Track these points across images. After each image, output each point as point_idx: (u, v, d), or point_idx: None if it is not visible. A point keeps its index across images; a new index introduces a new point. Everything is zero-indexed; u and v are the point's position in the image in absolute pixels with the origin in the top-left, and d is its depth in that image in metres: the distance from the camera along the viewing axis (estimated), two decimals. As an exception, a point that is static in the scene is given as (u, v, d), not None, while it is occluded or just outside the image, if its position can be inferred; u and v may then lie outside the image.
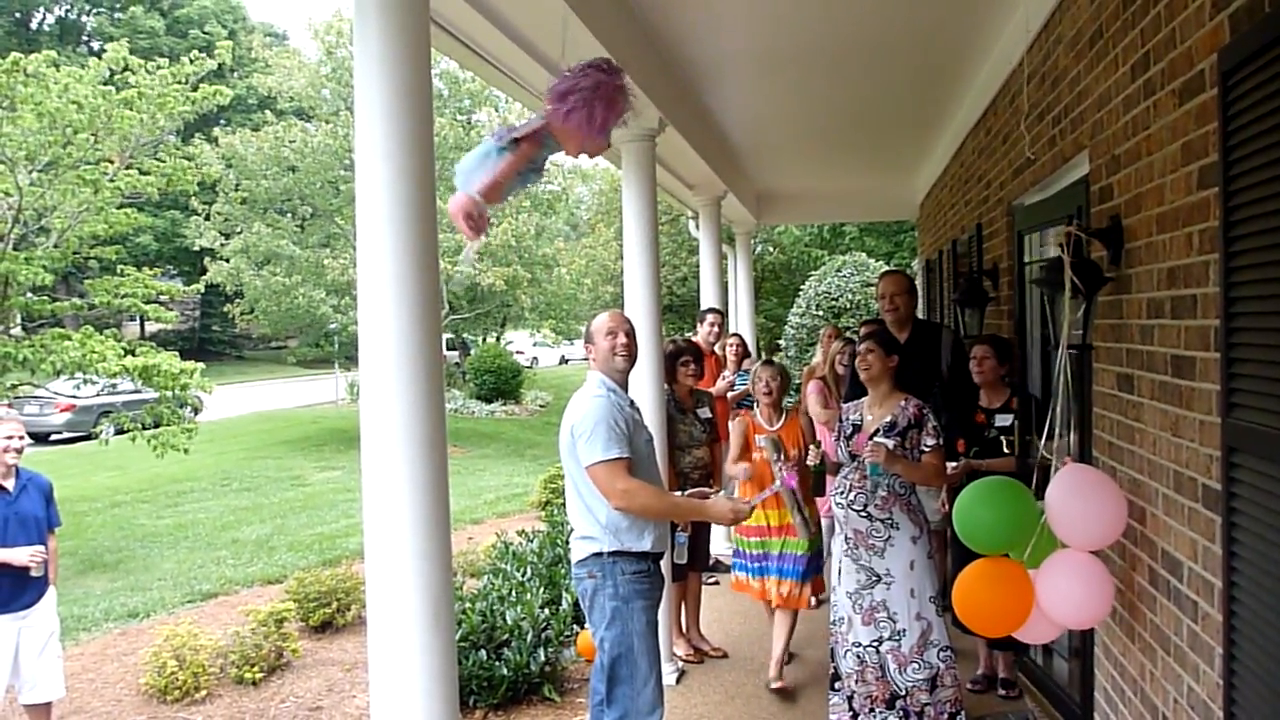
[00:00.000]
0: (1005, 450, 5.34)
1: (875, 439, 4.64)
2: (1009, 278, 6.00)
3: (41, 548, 5.58)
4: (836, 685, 4.81)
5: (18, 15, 42.94)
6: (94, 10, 44.90)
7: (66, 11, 45.28)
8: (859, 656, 4.66)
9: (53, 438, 22.12)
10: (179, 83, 12.32)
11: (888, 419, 4.70)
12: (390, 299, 2.83)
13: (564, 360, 45.84)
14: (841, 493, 4.78)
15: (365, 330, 2.87)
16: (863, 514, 4.67)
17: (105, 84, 11.76)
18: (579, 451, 3.91)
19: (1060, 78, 4.44)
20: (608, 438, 3.84)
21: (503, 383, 28.99)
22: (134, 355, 11.13)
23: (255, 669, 7.02)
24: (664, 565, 4.23)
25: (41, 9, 44.53)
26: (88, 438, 20.17)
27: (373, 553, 2.87)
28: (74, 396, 20.07)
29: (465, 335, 32.29)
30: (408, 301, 2.83)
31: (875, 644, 4.62)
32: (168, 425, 11.77)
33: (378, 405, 2.84)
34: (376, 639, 2.88)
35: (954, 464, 5.18)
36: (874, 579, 4.65)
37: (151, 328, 36.95)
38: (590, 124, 3.31)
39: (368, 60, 2.83)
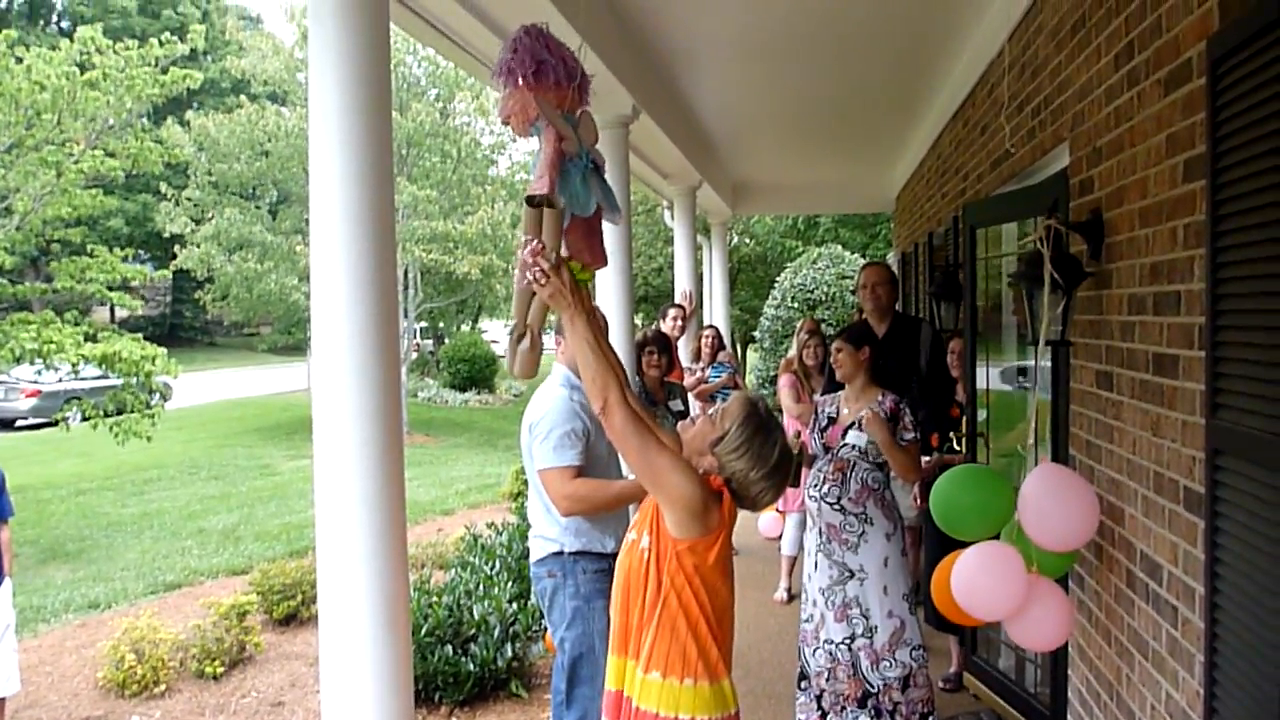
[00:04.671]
0: (956, 447, 5.30)
1: (871, 407, 4.59)
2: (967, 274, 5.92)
3: (-7, 538, 5.43)
4: (803, 684, 4.72)
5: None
6: (65, -12, 44.18)
7: (36, -11, 44.54)
8: (830, 654, 4.57)
9: (18, 424, 21.76)
10: (148, 65, 12.04)
11: (864, 413, 4.62)
12: (344, 282, 2.71)
13: (539, 350, 45.55)
14: (815, 485, 4.69)
15: (319, 314, 2.75)
16: (836, 508, 4.58)
17: (76, 65, 11.46)
18: (534, 452, 3.82)
19: (1040, 68, 4.35)
20: (560, 443, 3.73)
21: (476, 372, 28.82)
22: (95, 341, 10.86)
23: (216, 663, 6.86)
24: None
25: (10, -14, 43.79)
26: (54, 424, 19.82)
27: (325, 545, 2.76)
28: (38, 382, 19.71)
29: (439, 324, 31.99)
30: (362, 285, 2.71)
31: (847, 641, 4.53)
32: (131, 412, 11.53)
33: (331, 389, 2.72)
34: (328, 635, 2.77)
35: (928, 458, 5.13)
36: (847, 574, 4.55)
37: (122, 313, 36.41)
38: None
39: (322, 33, 2.69)
